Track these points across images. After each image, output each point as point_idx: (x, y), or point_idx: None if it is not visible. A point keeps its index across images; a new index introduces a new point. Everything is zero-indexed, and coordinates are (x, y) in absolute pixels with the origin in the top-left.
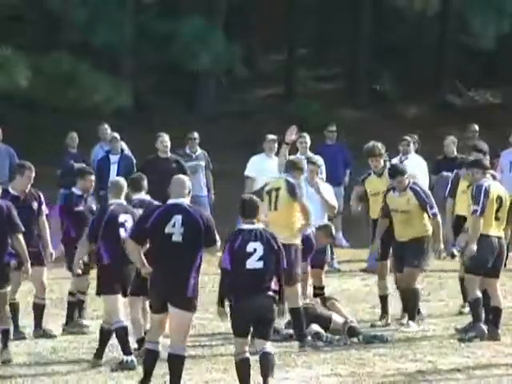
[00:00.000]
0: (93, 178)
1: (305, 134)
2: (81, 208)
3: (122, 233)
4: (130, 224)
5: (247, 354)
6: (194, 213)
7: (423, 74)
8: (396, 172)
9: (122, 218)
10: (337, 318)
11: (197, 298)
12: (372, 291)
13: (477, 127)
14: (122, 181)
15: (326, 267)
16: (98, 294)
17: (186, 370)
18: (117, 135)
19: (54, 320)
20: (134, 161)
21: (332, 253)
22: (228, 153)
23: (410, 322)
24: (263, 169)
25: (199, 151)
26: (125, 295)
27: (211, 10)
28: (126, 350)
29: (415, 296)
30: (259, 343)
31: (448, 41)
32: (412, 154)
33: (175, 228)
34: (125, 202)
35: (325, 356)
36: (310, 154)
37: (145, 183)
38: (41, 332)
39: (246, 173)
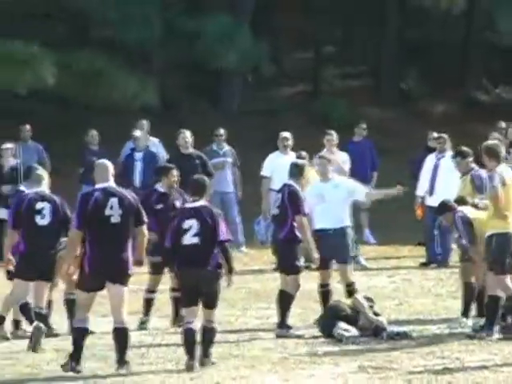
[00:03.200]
0: (176, 173)
1: (332, 132)
2: (161, 206)
3: (39, 220)
4: (47, 211)
5: (192, 325)
6: (127, 194)
7: (448, 71)
8: None
9: (38, 205)
10: (364, 323)
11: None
12: (398, 288)
13: (504, 124)
14: (40, 170)
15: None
16: (12, 278)
17: (213, 367)
18: (138, 133)
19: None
20: (165, 155)
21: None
22: (253, 151)
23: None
24: (278, 166)
25: (226, 148)
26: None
27: (238, 7)
28: (29, 320)
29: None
30: (205, 313)
31: (474, 38)
32: (449, 151)
33: (113, 210)
34: (46, 190)
35: (352, 353)
36: (336, 150)
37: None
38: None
39: (262, 173)
